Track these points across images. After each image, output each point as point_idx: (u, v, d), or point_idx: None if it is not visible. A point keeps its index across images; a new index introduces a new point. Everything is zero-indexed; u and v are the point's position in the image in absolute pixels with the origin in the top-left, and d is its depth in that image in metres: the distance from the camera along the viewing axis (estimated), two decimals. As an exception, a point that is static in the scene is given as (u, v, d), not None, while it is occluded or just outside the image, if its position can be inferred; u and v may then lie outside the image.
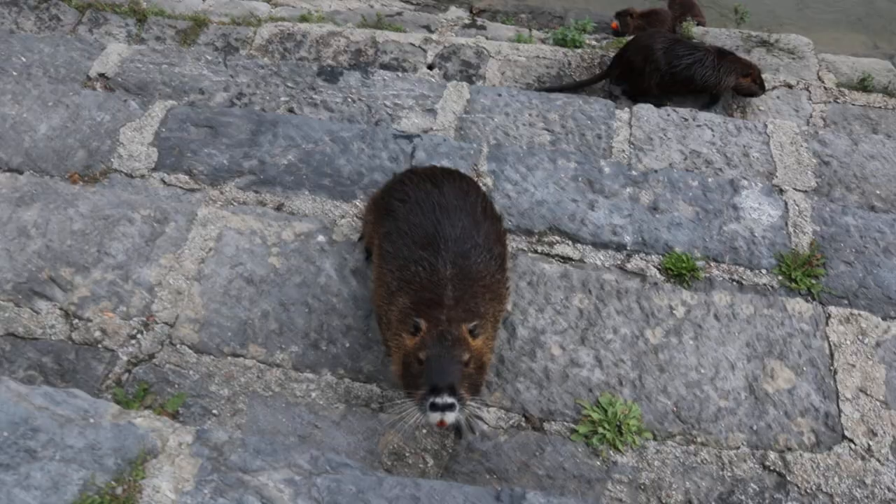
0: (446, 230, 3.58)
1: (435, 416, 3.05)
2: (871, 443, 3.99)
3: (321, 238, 4.46)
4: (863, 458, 3.94)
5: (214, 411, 3.87)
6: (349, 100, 6.35)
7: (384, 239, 3.77)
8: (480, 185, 5.20)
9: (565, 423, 3.89)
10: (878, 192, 5.93)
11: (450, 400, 3.01)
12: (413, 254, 3.58)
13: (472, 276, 3.51)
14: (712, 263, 4.95)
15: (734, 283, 4.72)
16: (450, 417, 3.05)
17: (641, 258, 4.93)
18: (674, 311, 4.31)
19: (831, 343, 4.30)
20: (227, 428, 3.74)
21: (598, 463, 3.81)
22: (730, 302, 4.39)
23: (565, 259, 4.78)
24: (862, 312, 4.46)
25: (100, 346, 4.04)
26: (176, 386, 3.90)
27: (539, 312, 4.23)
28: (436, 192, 3.76)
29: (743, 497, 3.82)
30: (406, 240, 3.63)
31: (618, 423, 3.86)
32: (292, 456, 3.12)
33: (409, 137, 5.47)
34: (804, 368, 4.20)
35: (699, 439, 3.93)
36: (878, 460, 3.94)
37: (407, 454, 3.76)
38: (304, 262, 4.34)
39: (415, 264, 3.55)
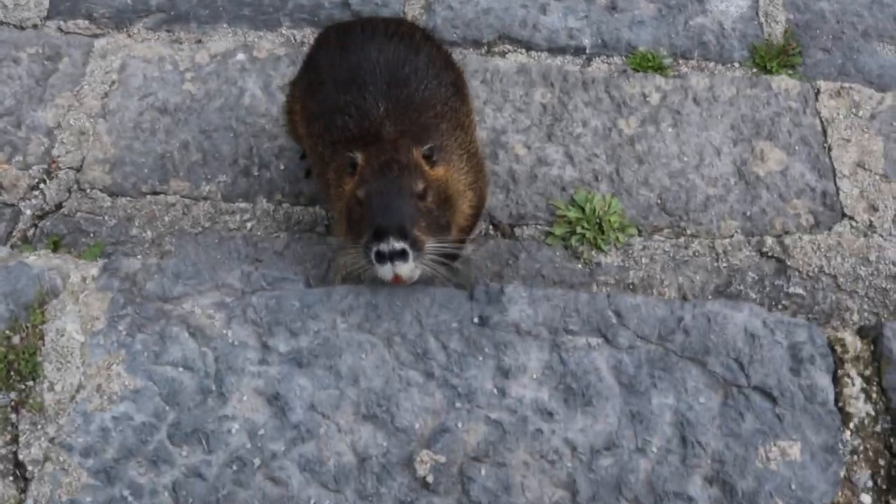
0: (372, 56, 2.86)
1: (385, 270, 2.42)
2: (872, 218, 3.61)
3: (241, 56, 3.87)
4: (865, 235, 3.56)
5: (139, 257, 3.36)
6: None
7: (308, 105, 3.07)
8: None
9: (539, 227, 3.44)
10: (848, -17, 5.40)
11: (398, 245, 2.37)
12: (337, 102, 2.85)
13: (416, 104, 2.82)
14: (681, 60, 4.45)
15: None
16: (404, 270, 2.41)
17: (603, 61, 4.42)
18: (648, 99, 3.82)
19: (823, 119, 3.85)
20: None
21: (580, 265, 3.39)
22: (709, 84, 3.91)
23: (522, 68, 4.24)
24: (854, 85, 4.00)
25: (-2, 202, 3.48)
26: (92, 235, 3.38)
27: (497, 111, 3.72)
28: (357, 30, 3.04)
29: (742, 287, 3.44)
30: (327, 90, 2.92)
31: (598, 221, 3.42)
32: (220, 276, 2.64)
33: (335, -47, 4.79)
34: (796, 148, 3.76)
35: (689, 231, 3.51)
36: (881, 235, 3.56)
37: (363, 278, 3.29)
38: (225, 85, 3.77)
39: (341, 114, 2.83)
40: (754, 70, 4.43)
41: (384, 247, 2.37)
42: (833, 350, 2.70)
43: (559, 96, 3.79)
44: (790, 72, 4.38)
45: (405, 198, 2.45)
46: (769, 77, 4.01)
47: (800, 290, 3.44)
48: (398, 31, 3.01)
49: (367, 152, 2.59)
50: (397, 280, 2.45)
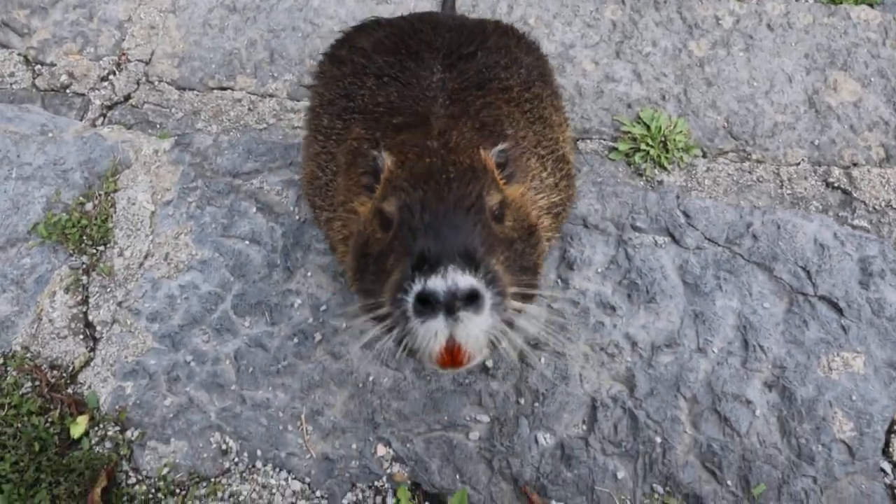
0: (439, 29, 2.27)
1: (431, 329, 1.41)
2: (946, 155, 3.51)
3: (310, -41, 3.85)
4: (938, 172, 3.46)
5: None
6: None
7: (321, 81, 2.41)
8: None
9: (602, 142, 3.39)
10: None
11: (465, 281, 1.39)
12: (375, 64, 2.14)
13: (484, 82, 2.07)
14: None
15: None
16: (473, 331, 1.42)
17: None
18: (720, 22, 3.73)
19: (901, 52, 3.73)
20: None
21: (642, 182, 3.34)
22: (784, 10, 3.80)
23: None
24: (937, 16, 3.86)
25: (68, 91, 3.52)
26: (158, 126, 3.41)
27: (566, 26, 3.66)
28: (417, 15, 2.48)
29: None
30: (366, 51, 2.24)
31: (662, 139, 3.36)
32: (291, 154, 2.65)
33: None
34: (871, 80, 3.65)
35: (754, 156, 3.44)
36: (955, 173, 3.46)
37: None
38: (293, -14, 3.76)
39: (376, 76, 2.09)
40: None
41: (437, 284, 1.37)
42: (904, 267, 2.64)
43: (630, 14, 3.72)
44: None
45: (473, 213, 1.54)
46: (848, 7, 3.89)
47: (865, 223, 3.37)
48: (466, 19, 2.50)
49: (399, 149, 1.73)
50: (451, 358, 1.44)
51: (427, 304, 1.38)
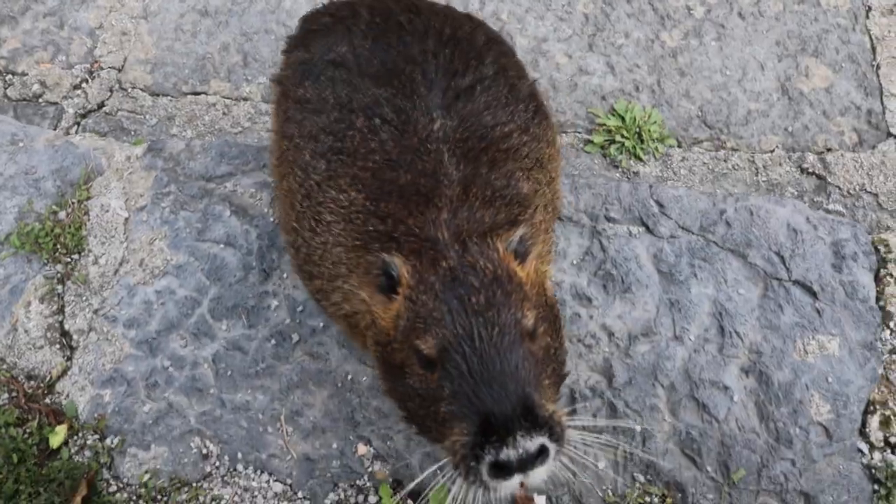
0: (425, 59, 1.99)
1: (508, 486, 1.51)
2: (919, 138, 3.54)
3: (281, -39, 3.84)
4: (910, 155, 3.49)
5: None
6: None
7: (298, 104, 2.07)
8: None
9: (578, 135, 3.40)
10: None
11: (533, 443, 1.46)
12: (364, 96, 1.89)
13: (485, 131, 1.91)
14: (724, -16, 4.35)
15: None
16: (541, 475, 1.54)
17: (646, -18, 4.32)
18: (692, 12, 3.75)
19: (873, 37, 3.76)
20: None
21: (618, 174, 3.36)
22: (755, -1, 3.82)
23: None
24: (907, 2, 3.89)
25: (41, 100, 3.51)
26: (133, 133, 3.40)
27: (539, 20, 3.67)
28: (398, 10, 2.15)
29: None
30: (349, 76, 1.97)
31: (637, 130, 3.38)
32: (263, 156, 2.65)
33: None
34: (843, 65, 3.68)
35: (729, 144, 3.46)
36: (927, 153, 3.49)
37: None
38: (265, -12, 3.75)
39: (366, 116, 1.85)
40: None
41: (511, 454, 1.44)
42: (877, 250, 2.66)
43: (602, 7, 3.74)
44: None
45: (517, 349, 1.50)
46: (817, -6, 3.92)
47: (840, 207, 3.39)
48: (454, 25, 2.16)
49: (409, 247, 1.63)
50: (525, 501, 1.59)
51: (501, 469, 1.46)
